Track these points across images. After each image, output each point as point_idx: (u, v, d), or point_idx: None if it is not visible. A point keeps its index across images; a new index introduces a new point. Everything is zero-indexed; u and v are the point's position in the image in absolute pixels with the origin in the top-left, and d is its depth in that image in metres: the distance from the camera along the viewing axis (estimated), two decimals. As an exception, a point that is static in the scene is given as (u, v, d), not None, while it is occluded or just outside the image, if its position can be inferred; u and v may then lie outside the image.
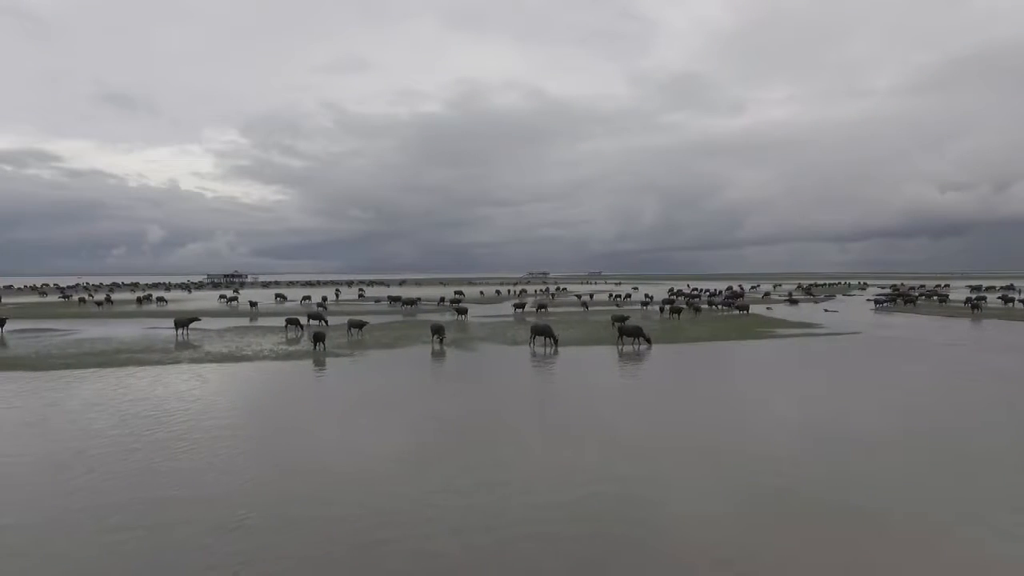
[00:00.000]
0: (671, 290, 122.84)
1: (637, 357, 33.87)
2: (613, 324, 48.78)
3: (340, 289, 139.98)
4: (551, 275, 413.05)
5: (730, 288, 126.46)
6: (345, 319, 48.71)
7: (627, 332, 38.12)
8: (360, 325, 44.03)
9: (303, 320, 50.21)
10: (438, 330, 39.36)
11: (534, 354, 35.03)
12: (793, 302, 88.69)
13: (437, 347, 37.97)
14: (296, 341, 41.60)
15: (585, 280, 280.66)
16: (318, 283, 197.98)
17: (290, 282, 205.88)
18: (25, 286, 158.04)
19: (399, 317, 63.16)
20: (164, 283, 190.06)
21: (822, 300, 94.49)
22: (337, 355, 34.88)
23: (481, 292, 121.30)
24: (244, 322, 57.98)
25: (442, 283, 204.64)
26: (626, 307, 77.88)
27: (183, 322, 45.42)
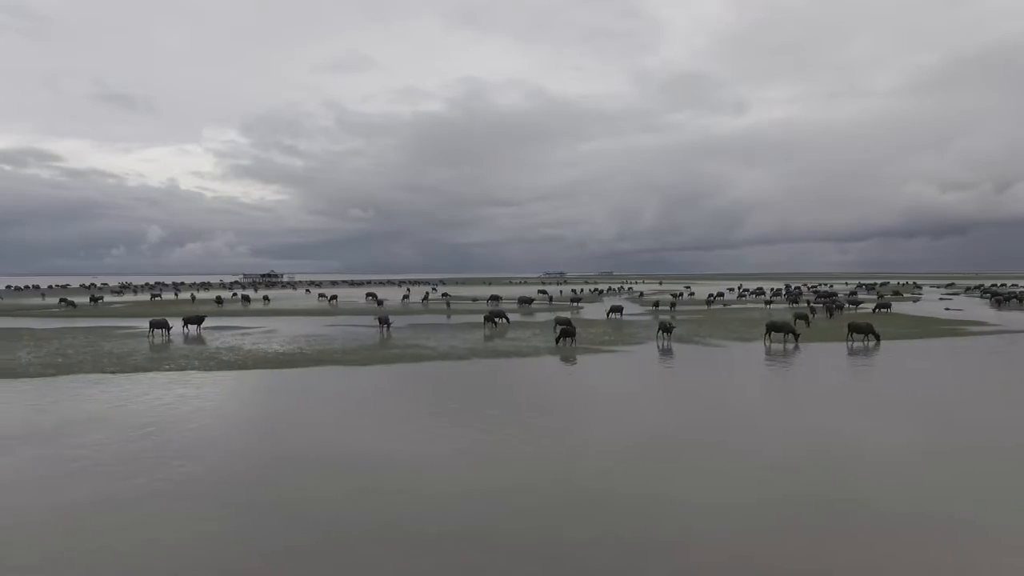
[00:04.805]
0: (731, 288, 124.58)
1: (885, 353, 34.42)
2: (795, 321, 49.25)
3: (411, 289, 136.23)
4: (567, 275, 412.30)
5: (821, 287, 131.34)
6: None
7: (858, 329, 38.80)
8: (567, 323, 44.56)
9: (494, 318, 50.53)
10: (666, 327, 40.03)
11: (771, 350, 35.49)
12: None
13: (666, 343, 38.61)
14: (491, 338, 42.11)
15: (624, 281, 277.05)
16: (365, 283, 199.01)
17: (333, 282, 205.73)
18: (81, 285, 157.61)
19: (528, 316, 63.55)
20: (205, 283, 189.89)
21: (918, 300, 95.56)
22: (592, 351, 35.23)
23: (560, 291, 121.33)
24: (396, 321, 58.41)
25: (486, 282, 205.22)
26: (747, 306, 78.65)
27: (385, 319, 46.12)
